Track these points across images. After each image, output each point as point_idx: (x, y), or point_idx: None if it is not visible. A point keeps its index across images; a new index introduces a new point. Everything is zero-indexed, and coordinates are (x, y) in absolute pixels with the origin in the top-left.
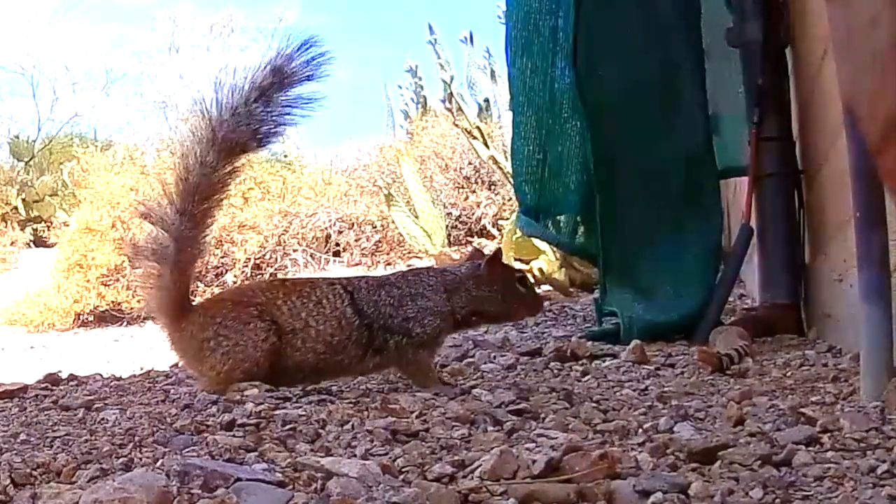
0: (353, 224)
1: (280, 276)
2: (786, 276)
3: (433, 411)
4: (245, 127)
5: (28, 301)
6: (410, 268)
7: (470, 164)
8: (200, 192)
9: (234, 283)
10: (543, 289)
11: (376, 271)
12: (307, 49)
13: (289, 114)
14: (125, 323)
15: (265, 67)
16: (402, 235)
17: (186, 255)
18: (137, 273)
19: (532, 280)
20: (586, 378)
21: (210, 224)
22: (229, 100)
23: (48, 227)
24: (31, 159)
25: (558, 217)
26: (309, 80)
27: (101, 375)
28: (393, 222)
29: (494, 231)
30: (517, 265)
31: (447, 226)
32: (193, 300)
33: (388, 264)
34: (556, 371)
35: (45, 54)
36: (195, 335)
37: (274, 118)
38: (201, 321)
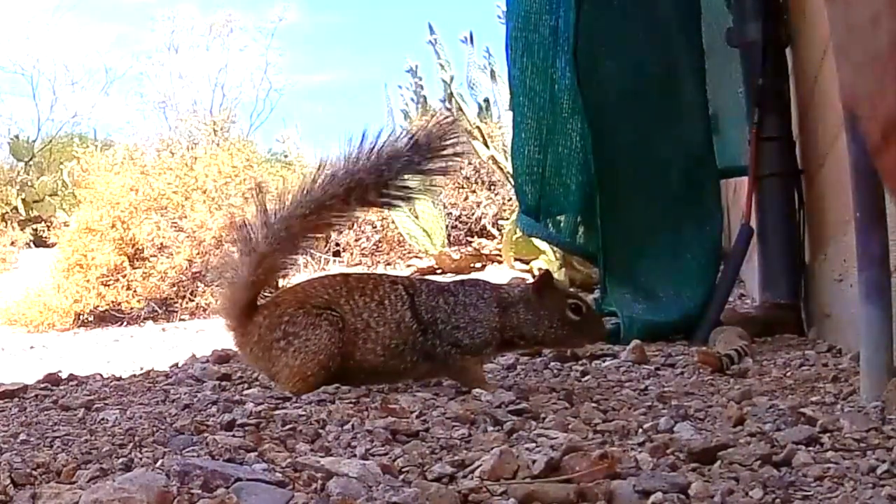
0: (353, 224)
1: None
2: (786, 276)
3: (433, 411)
4: (376, 175)
5: (28, 301)
6: (469, 278)
7: (470, 164)
8: (312, 210)
9: None
10: None
11: (376, 272)
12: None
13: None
14: (125, 323)
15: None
16: (402, 235)
17: (275, 260)
18: (218, 266)
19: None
20: (586, 378)
21: (308, 240)
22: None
23: (48, 227)
24: (31, 159)
25: (558, 217)
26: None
27: (101, 375)
28: (393, 222)
29: (494, 231)
30: (518, 266)
31: (447, 226)
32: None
33: (388, 264)
34: (556, 371)
35: (45, 54)
36: (263, 337)
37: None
38: (268, 322)
